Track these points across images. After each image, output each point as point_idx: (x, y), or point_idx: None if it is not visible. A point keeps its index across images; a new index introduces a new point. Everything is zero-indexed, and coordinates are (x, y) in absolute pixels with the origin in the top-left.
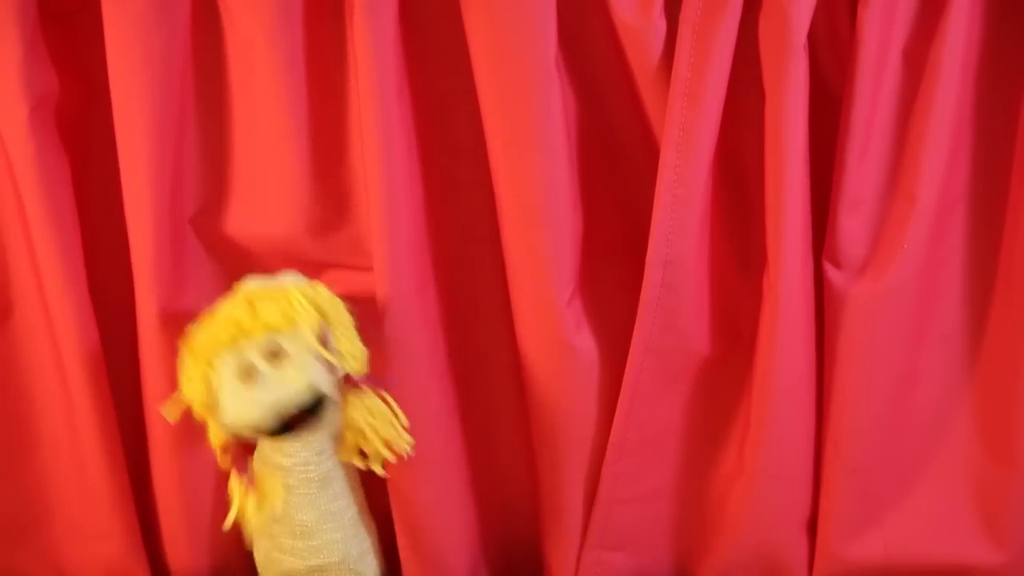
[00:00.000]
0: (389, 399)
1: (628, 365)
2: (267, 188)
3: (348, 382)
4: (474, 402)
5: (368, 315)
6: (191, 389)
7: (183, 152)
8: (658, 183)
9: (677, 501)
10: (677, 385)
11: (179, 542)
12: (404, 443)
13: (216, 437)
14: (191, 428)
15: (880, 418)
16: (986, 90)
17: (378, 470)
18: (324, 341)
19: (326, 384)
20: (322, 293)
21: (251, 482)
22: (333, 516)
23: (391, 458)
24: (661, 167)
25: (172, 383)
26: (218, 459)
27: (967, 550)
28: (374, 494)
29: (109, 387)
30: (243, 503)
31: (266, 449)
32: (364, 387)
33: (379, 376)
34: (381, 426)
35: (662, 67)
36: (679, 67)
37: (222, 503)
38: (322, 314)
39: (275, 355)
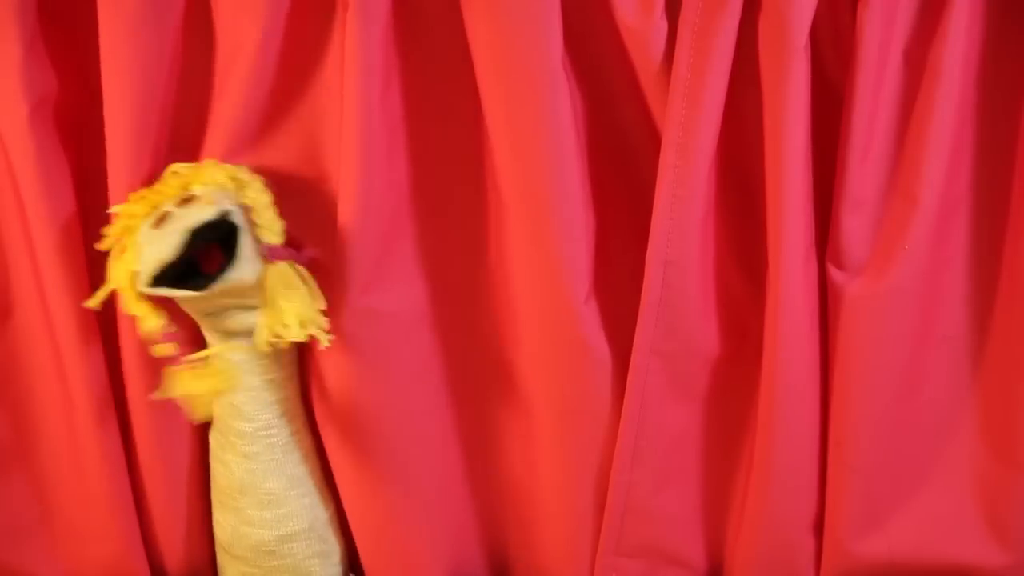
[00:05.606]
0: (306, 274)
1: (632, 369)
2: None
3: (266, 256)
4: (469, 407)
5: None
6: (119, 272)
7: (173, 151)
8: (658, 183)
9: (692, 506)
10: (686, 389)
11: (179, 542)
12: (318, 322)
13: (149, 322)
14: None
15: (884, 419)
16: (987, 90)
17: (298, 336)
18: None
19: (233, 210)
20: (243, 171)
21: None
22: (300, 481)
23: (303, 338)
24: (661, 167)
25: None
26: (155, 349)
27: (971, 551)
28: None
29: (110, 387)
30: (190, 384)
31: (226, 418)
32: (282, 259)
33: (297, 250)
34: (298, 301)
35: (664, 68)
36: (679, 67)
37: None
38: (241, 186)
39: (187, 201)
